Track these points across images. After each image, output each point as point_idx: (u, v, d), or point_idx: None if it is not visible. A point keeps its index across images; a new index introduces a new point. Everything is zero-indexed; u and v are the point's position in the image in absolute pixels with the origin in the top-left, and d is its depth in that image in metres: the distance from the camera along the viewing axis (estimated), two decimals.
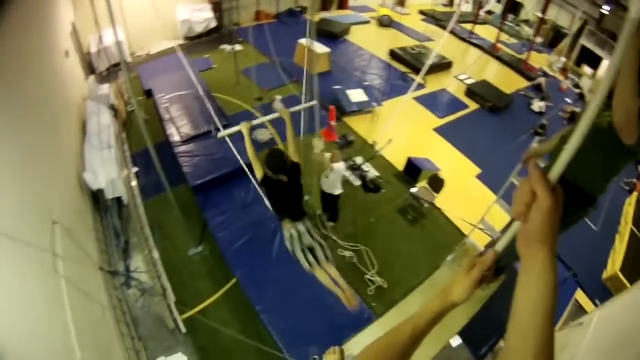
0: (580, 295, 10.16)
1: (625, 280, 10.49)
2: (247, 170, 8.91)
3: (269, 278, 8.61)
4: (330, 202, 10.04)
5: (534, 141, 14.98)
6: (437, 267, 8.40)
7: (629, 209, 13.94)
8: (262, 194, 10.39)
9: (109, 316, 7.11)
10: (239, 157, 9.69)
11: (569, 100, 21.90)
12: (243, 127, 5.84)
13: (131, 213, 9.87)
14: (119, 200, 9.56)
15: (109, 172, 9.23)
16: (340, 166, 9.25)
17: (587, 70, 26.64)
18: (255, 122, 6.21)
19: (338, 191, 9.63)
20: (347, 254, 9.73)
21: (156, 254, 8.92)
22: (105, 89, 12.82)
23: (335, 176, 9.27)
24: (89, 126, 10.81)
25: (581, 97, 22.79)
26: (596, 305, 9.93)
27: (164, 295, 8.11)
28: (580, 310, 9.69)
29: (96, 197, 9.42)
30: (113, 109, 12.41)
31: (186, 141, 11.72)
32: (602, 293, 10.36)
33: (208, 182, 10.61)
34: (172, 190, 8.53)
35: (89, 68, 15.52)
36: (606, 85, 1.19)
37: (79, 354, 5.32)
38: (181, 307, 8.06)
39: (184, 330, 7.73)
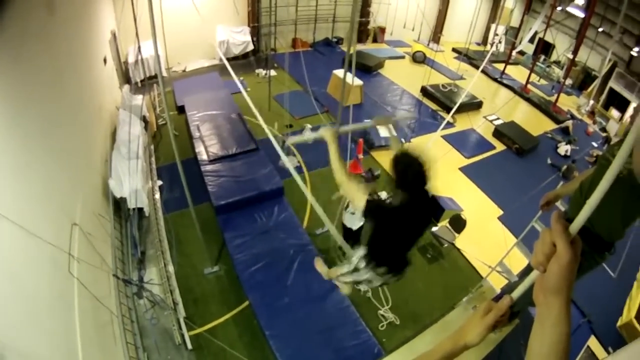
0: (593, 342, 10.01)
1: (639, 327, 10.24)
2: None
3: (282, 305, 8.52)
4: (350, 236, 9.71)
5: (558, 185, 14.82)
6: (451, 307, 8.25)
7: None
8: (289, 221, 10.65)
9: (116, 323, 7.08)
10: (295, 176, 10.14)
11: (595, 144, 21.66)
12: (327, 134, 4.31)
13: (151, 225, 9.86)
14: (140, 210, 9.55)
15: (133, 182, 9.25)
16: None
17: (614, 113, 26.32)
18: (343, 129, 5.27)
19: (359, 224, 9.44)
20: (362, 287, 9.47)
21: (171, 268, 8.93)
22: (139, 99, 12.88)
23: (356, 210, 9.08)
24: (118, 134, 10.90)
25: (607, 141, 22.56)
26: (608, 353, 9.84)
27: (174, 310, 8.06)
28: (592, 358, 9.60)
29: (118, 205, 9.47)
30: (144, 120, 12.55)
31: (213, 160, 11.74)
32: (616, 341, 10.17)
33: (231, 203, 10.58)
34: (194, 208, 8.54)
35: (125, 77, 15.87)
36: (631, 138, 1.21)
37: (80, 355, 5.33)
38: (190, 323, 8.00)
39: (190, 346, 7.67)
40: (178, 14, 17.59)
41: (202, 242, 9.19)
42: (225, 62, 9.00)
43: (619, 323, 10.63)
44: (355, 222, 9.38)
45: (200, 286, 9.05)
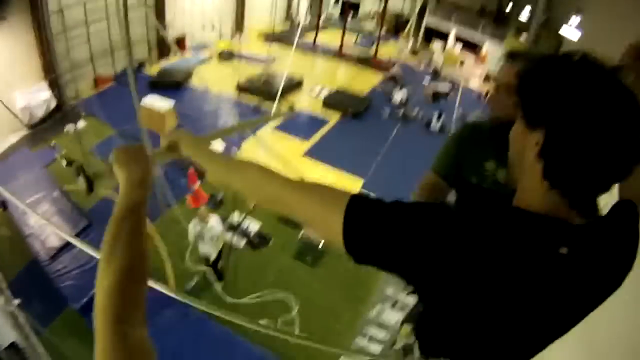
0: None
1: None
2: None
3: None
4: (212, 264, 10.16)
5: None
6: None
7: None
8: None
9: None
10: None
11: (427, 78, 23.36)
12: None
13: (30, 357, 9.30)
14: (14, 346, 8.99)
15: None
16: (214, 221, 9.60)
17: (436, 45, 28.59)
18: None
19: (215, 253, 9.93)
20: (262, 322, 9.43)
21: None
22: None
23: (211, 234, 9.54)
24: None
25: (436, 73, 24.43)
26: None
27: None
28: None
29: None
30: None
31: (54, 256, 11.15)
32: None
33: (91, 299, 9.46)
34: (62, 315, 8.98)
35: None
36: None
37: None
38: None
39: None
40: None
41: (85, 351, 8.32)
42: None
43: None
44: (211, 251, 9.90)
45: None
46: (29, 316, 9.52)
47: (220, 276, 10.49)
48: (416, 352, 1.77)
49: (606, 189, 1.25)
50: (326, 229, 1.33)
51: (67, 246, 11.47)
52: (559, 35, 21.13)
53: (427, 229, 1.20)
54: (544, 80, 1.23)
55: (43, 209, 12.86)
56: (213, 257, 9.97)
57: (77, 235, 11.64)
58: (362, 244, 1.26)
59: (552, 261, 1.21)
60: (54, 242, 11.60)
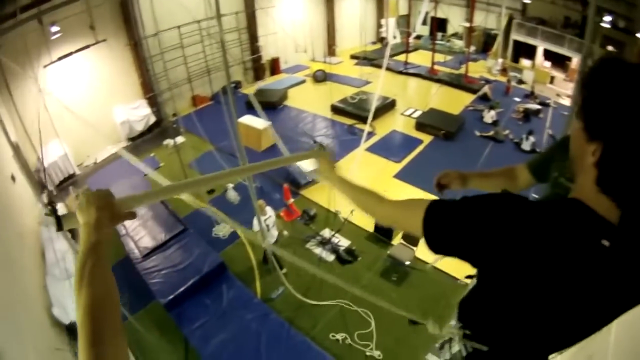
0: None
1: None
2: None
3: None
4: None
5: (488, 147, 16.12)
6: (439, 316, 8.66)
7: None
8: (241, 295, 10.71)
9: None
10: None
11: (517, 99, 22.65)
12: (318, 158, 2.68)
13: None
14: None
15: None
16: (270, 211, 10.78)
17: (525, 62, 27.87)
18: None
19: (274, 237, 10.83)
20: (339, 335, 9.62)
21: None
22: (59, 209, 12.26)
23: (271, 222, 10.73)
24: (47, 255, 10.54)
25: (532, 93, 23.59)
26: None
27: None
28: None
29: (72, 330, 8.87)
30: (70, 230, 12.00)
31: (146, 256, 11.59)
32: None
33: (178, 296, 10.33)
34: (147, 308, 9.26)
35: (40, 187, 15.02)
36: None
37: None
38: None
39: None
40: (72, 105, 16.41)
41: (165, 344, 9.23)
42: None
43: None
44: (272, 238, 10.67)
45: None
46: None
47: (280, 265, 10.71)
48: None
49: None
50: (412, 227, 1.72)
51: (158, 248, 11.96)
52: None
53: (488, 216, 1.46)
54: (606, 97, 1.29)
55: (140, 213, 13.27)
56: (274, 240, 10.77)
57: (172, 238, 12.28)
58: (438, 234, 1.62)
59: (594, 250, 1.35)
60: (148, 243, 12.13)
